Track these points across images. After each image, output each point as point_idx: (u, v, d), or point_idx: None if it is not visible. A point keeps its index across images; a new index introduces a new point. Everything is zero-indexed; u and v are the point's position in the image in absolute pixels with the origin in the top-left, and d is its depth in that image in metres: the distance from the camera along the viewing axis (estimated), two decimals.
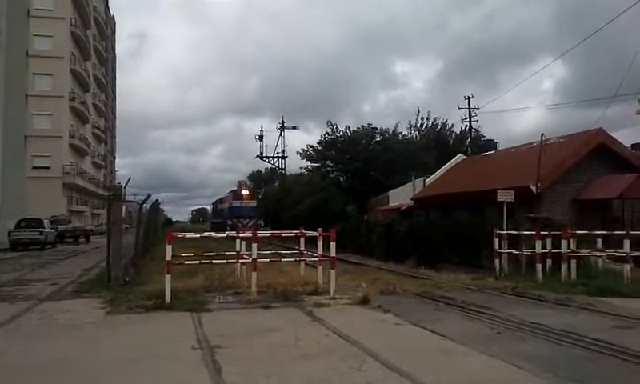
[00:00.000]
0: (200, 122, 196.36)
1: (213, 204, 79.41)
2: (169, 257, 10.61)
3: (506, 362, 6.36)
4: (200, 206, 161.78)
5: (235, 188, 67.13)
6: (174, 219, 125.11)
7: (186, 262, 12.81)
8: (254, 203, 53.18)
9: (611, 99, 19.43)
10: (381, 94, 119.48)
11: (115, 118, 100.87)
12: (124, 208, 15.46)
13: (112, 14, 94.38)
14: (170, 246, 10.66)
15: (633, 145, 23.56)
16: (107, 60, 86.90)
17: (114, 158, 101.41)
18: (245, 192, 55.21)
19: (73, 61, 59.51)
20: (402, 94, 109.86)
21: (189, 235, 13.56)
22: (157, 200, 34.70)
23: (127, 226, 19.07)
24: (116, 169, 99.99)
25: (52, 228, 34.03)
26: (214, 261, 13.00)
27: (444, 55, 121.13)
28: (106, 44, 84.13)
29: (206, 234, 15.57)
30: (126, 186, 15.82)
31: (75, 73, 60.80)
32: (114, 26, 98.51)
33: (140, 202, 21.20)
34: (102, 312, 9.75)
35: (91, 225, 61.37)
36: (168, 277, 10.36)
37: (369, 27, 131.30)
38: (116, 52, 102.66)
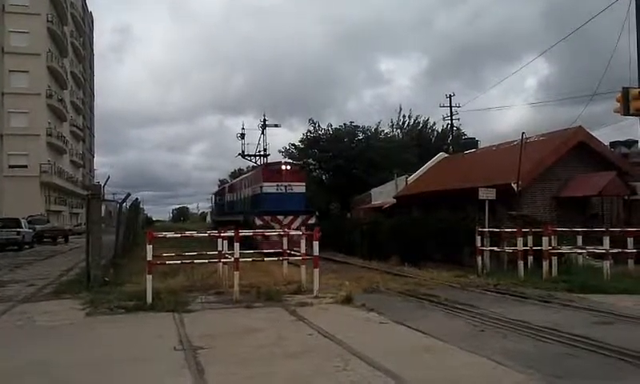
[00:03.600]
0: (182, 120, 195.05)
1: (216, 194, 55.01)
2: (149, 257, 10.47)
3: (488, 358, 6.38)
4: (181, 205, 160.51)
5: (267, 163, 40.40)
6: (154, 218, 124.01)
7: (168, 262, 12.66)
8: (302, 187, 28.36)
9: (591, 97, 19.65)
10: (365, 91, 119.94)
11: (94, 115, 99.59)
12: (103, 207, 15.27)
13: (90, 10, 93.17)
14: (151, 246, 10.52)
15: (612, 143, 23.88)
16: (85, 57, 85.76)
17: (93, 157, 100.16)
18: (286, 167, 29.00)
19: (49, 58, 58.55)
20: (387, 92, 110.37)
21: (170, 234, 13.41)
22: (137, 199, 34.26)
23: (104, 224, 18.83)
24: (95, 167, 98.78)
25: (29, 228, 33.47)
26: (195, 261, 12.87)
27: (429, 53, 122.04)
28: (83, 40, 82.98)
29: (188, 233, 15.39)
30: (105, 184, 15.64)
31: (52, 70, 59.84)
32: (92, 22, 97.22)
33: (119, 201, 20.94)
34: (81, 313, 9.60)
35: (70, 225, 60.55)
36: (149, 277, 10.24)
37: (353, 24, 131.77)
38: (96, 48, 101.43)
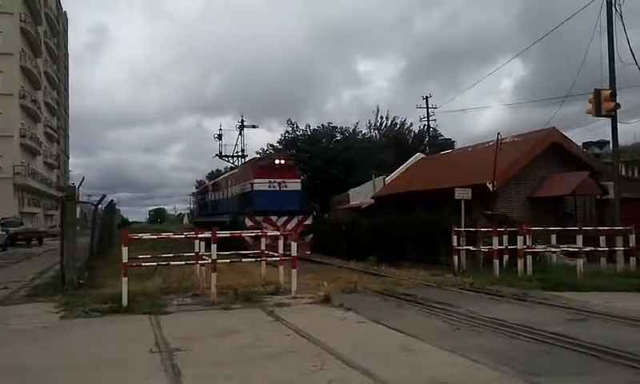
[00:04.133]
0: (159, 120, 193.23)
1: (197, 193, 51.28)
2: (125, 259, 10.35)
3: (464, 356, 6.45)
4: (158, 206, 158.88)
5: (256, 157, 37.86)
6: (131, 220, 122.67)
7: (144, 264, 12.53)
8: (297, 184, 25.84)
9: (563, 99, 19.98)
10: (344, 92, 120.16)
11: (68, 116, 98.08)
12: (78, 209, 15.06)
13: (64, 9, 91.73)
14: (127, 248, 10.40)
15: (585, 143, 24.33)
16: (59, 57, 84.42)
17: (68, 158, 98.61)
18: (280, 162, 26.43)
19: (23, 57, 57.47)
20: (365, 93, 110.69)
21: (145, 236, 13.28)
22: (112, 200, 33.89)
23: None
24: (70, 169, 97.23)
25: (3, 230, 32.88)
26: (172, 262, 12.77)
27: (407, 54, 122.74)
28: (58, 40, 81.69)
29: (164, 234, 15.25)
30: (79, 186, 15.44)
31: (25, 70, 58.76)
32: (67, 21, 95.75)
33: (95, 202, 20.68)
34: (55, 316, 9.46)
35: (44, 227, 59.41)
36: (125, 279, 10.12)
37: (332, 25, 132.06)
38: (71, 48, 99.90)
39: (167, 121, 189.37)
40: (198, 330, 8.19)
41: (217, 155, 51.57)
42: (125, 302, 9.98)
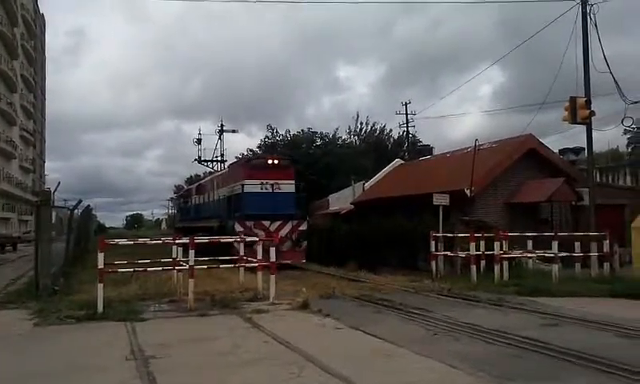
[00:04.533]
0: (137, 124, 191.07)
1: (179, 196, 47.45)
2: (101, 265, 10.23)
3: (441, 362, 6.49)
4: (135, 212, 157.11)
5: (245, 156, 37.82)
6: (107, 225, 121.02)
7: (120, 270, 12.37)
8: (291, 185, 23.31)
9: (540, 106, 20.26)
10: (324, 97, 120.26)
11: (45, 120, 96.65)
12: (54, 214, 14.83)
13: (42, 11, 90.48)
14: (103, 254, 10.28)
15: (561, 150, 24.67)
16: (36, 60, 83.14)
17: (44, 162, 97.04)
18: (273, 161, 23.90)
19: None
20: (346, 98, 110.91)
21: (122, 242, 13.13)
22: (89, 205, 33.45)
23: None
24: (46, 173, 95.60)
25: None
26: (149, 268, 12.64)
27: (387, 61, 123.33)
28: (35, 43, 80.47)
29: (141, 240, 15.07)
30: (55, 191, 15.21)
31: (1, 72, 57.76)
32: (44, 24, 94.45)
33: (71, 207, 20.38)
34: (29, 323, 9.30)
35: (18, 232, 58.39)
36: (100, 285, 10.00)
37: (313, 31, 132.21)
38: (48, 51, 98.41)
39: (146, 125, 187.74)
40: (174, 337, 8.11)
41: (196, 160, 51.18)
42: (100, 308, 9.86)
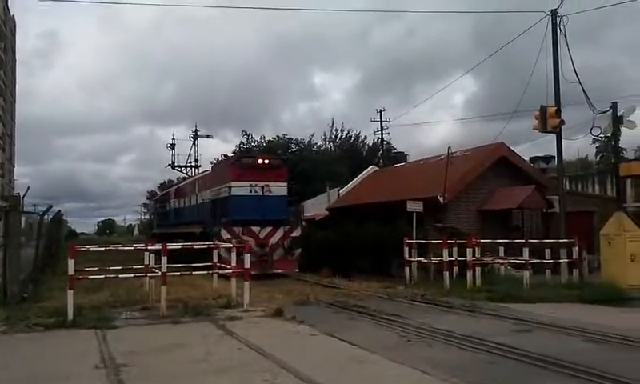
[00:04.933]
0: (110, 129, 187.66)
1: (156, 200, 44.02)
2: (71, 271, 10.04)
3: (415, 368, 6.53)
4: (107, 218, 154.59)
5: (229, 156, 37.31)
6: (79, 231, 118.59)
7: (91, 277, 12.18)
8: (283, 188, 21.50)
9: (511, 115, 20.56)
10: (300, 104, 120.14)
11: (15, 123, 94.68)
12: (23, 220, 14.49)
13: (12, 13, 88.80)
14: (73, 260, 10.10)
15: (531, 158, 25.07)
16: (6, 62, 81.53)
17: (14, 167, 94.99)
18: (264, 161, 21.96)
19: None
20: (321, 105, 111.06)
21: (93, 248, 12.92)
22: (59, 211, 32.80)
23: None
24: (15, 178, 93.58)
25: None
26: (120, 275, 12.45)
27: (362, 68, 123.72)
28: (5, 45, 78.90)
29: (113, 246, 14.84)
30: (24, 195, 14.87)
31: None
32: (15, 26, 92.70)
33: (41, 213, 19.97)
34: None
35: None
36: (70, 292, 9.81)
37: (289, 38, 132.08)
38: (19, 54, 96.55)
39: (119, 129, 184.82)
40: (145, 345, 8.01)
41: (169, 165, 50.71)
42: (70, 315, 9.67)
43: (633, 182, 23.46)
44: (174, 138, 50.43)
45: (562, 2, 16.90)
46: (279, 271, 19.17)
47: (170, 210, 33.40)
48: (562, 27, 16.99)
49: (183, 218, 28.44)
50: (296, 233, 21.00)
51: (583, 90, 16.94)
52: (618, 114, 16.16)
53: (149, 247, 13.67)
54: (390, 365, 6.81)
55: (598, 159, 45.24)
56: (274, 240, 20.15)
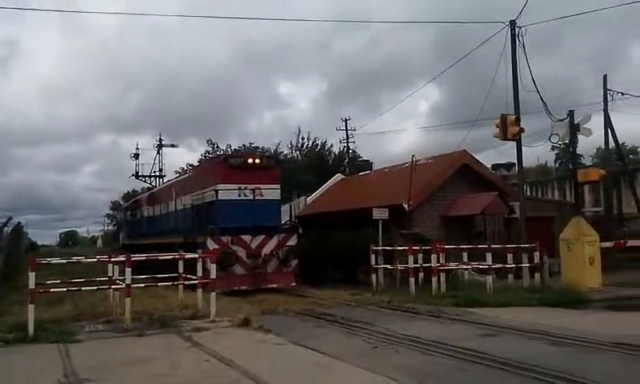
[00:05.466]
0: (73, 138, 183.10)
1: (126, 208, 39.66)
2: (32, 285, 9.80)
3: (381, 375, 6.59)
4: (70, 229, 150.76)
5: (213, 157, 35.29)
6: (40, 243, 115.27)
7: (52, 290, 11.88)
8: (275, 191, 19.09)
9: (473, 123, 20.95)
10: (266, 113, 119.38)
11: None
12: None
13: None
14: (34, 273, 9.85)
15: (493, 165, 25.59)
16: None
17: None
18: (254, 161, 19.38)
19: None
20: (288, 114, 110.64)
21: (55, 260, 12.62)
22: (19, 223, 31.91)
23: None
24: None
25: None
26: (83, 288, 12.19)
27: (328, 77, 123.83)
28: None
29: (76, 258, 14.54)
30: None
31: None
32: None
33: (0, 225, 19.45)
34: None
35: None
36: (31, 306, 9.58)
37: (254, 47, 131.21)
38: None
39: (82, 139, 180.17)
40: (110, 359, 7.87)
41: (133, 175, 49.92)
42: (31, 330, 9.44)
43: (590, 187, 24.22)
44: (137, 148, 49.56)
45: (520, 13, 17.36)
46: (274, 285, 17.19)
47: (141, 219, 30.64)
48: (520, 38, 17.44)
49: (159, 227, 25.48)
50: (292, 241, 18.50)
51: (541, 99, 17.43)
52: (575, 122, 16.66)
53: (112, 259, 13.42)
54: (357, 371, 6.86)
55: (557, 166, 46.38)
56: (267, 250, 17.69)
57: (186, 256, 13.60)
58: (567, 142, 18.27)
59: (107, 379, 6.72)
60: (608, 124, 22.39)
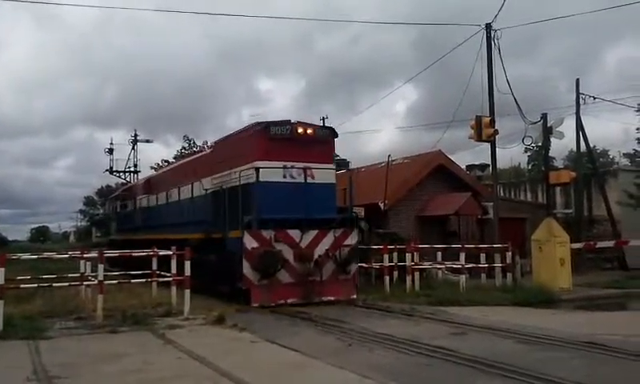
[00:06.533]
0: (46, 132, 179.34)
1: (115, 197, 32.96)
2: (1, 280, 9.61)
3: (355, 372, 6.62)
4: (41, 224, 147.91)
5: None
6: (11, 238, 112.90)
7: (23, 286, 11.68)
8: (330, 173, 14.22)
9: (448, 124, 21.20)
10: (245, 109, 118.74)
11: None
12: None
13: None
14: (3, 269, 9.67)
15: (468, 166, 25.93)
16: None
17: None
18: (305, 130, 13.70)
19: None
20: (267, 111, 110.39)
21: (25, 256, 12.41)
22: None
23: None
24: None
25: None
26: (55, 284, 12.00)
27: (306, 75, 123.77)
28: None
29: (47, 254, 14.31)
30: None
31: None
32: None
33: None
34: None
35: None
36: (0, 303, 9.40)
37: (233, 44, 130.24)
38: None
39: (56, 133, 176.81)
40: (81, 356, 7.76)
41: (107, 170, 49.17)
42: (0, 326, 9.26)
43: (562, 189, 24.68)
44: (112, 143, 48.79)
45: (495, 16, 17.61)
46: (331, 298, 13.29)
47: (135, 210, 25.37)
48: (496, 41, 17.70)
49: (164, 219, 20.20)
50: (351, 239, 13.91)
51: (515, 101, 17.74)
52: (548, 125, 16.99)
53: (84, 255, 13.25)
54: (330, 369, 6.89)
55: (529, 167, 47.14)
56: (321, 249, 13.37)
57: (160, 253, 13.42)
58: (540, 144, 18.60)
59: (78, 376, 6.63)
60: (580, 127, 22.86)
